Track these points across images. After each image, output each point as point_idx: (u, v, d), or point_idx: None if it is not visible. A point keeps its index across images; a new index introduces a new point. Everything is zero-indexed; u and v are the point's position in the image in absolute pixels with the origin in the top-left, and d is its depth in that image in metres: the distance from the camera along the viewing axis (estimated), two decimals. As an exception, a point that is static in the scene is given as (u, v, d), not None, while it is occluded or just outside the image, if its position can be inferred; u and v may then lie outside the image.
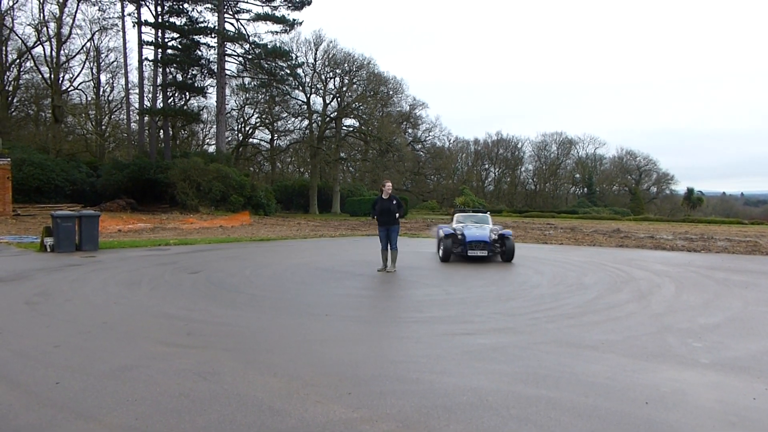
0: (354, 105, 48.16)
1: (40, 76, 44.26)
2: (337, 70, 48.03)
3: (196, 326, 6.06)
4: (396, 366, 4.71)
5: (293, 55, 44.64)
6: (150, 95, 43.00)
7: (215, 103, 44.37)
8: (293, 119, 52.01)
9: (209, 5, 41.33)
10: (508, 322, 6.45)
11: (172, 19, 41.44)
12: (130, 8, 42.71)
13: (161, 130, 44.19)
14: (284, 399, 3.87)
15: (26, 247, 14.54)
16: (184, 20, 41.78)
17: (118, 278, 9.35)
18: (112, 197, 35.99)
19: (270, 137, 55.14)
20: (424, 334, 5.87)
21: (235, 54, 43.39)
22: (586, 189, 70.73)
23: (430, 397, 3.95)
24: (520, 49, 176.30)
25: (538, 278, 10.14)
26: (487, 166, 75.09)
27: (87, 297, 7.68)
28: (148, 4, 41.58)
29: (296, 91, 47.65)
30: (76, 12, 43.52)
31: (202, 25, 41.87)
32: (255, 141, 56.12)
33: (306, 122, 50.28)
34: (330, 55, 47.65)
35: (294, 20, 42.53)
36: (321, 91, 48.30)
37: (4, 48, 41.97)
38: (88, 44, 45.81)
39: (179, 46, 41.68)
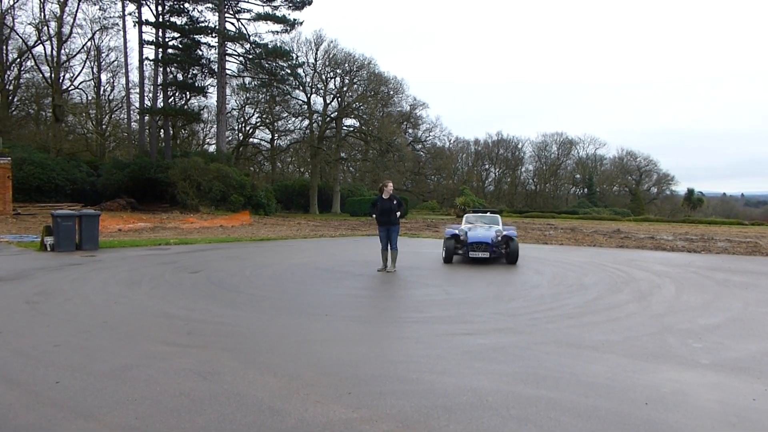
0: (354, 105, 48.17)
1: (41, 75, 44.37)
2: (338, 70, 48.09)
3: (197, 326, 6.06)
4: (396, 366, 4.71)
5: (294, 54, 44.70)
6: (150, 95, 43.04)
7: (216, 103, 44.45)
8: (294, 119, 52.13)
9: (210, 5, 41.38)
10: (508, 323, 6.45)
11: (172, 19, 41.47)
12: (131, 7, 42.87)
13: (162, 130, 44.21)
14: (284, 399, 3.87)
15: (26, 246, 14.54)
16: (184, 20, 41.82)
17: (118, 278, 9.35)
18: (113, 196, 36.02)
19: (270, 137, 55.18)
20: (424, 334, 5.86)
21: (236, 54, 43.45)
22: (586, 189, 70.72)
23: (430, 397, 3.94)
24: (520, 49, 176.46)
25: (539, 278, 10.14)
26: (487, 166, 75.10)
27: (87, 296, 7.68)
28: (148, 3, 41.64)
29: (297, 91, 47.76)
30: (76, 11, 43.70)
31: (203, 24, 41.91)
32: (255, 141, 56.20)
33: (306, 122, 50.35)
34: (330, 55, 47.70)
35: (294, 20, 42.60)
36: (321, 91, 48.37)
37: (4, 47, 42.03)
38: (89, 43, 45.95)
39: (180, 46, 41.70)
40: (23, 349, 5.03)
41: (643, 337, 5.82)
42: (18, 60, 43.35)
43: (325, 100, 48.41)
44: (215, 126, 47.71)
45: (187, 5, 41.43)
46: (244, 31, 42.60)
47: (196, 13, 42.12)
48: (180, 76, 42.22)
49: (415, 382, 4.26)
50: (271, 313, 6.88)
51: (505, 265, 12.02)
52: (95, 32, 45.67)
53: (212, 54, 42.81)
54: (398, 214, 10.81)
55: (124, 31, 44.17)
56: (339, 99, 48.83)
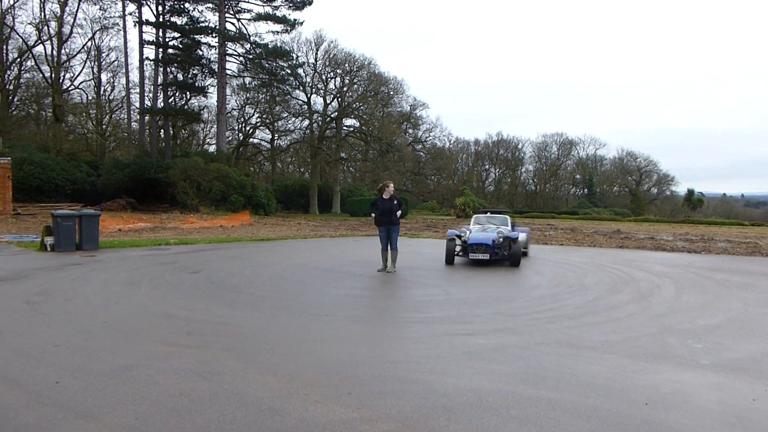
0: (354, 105, 48.16)
1: (41, 75, 44.36)
2: (338, 70, 48.06)
3: (196, 326, 6.06)
4: (396, 366, 4.71)
5: (294, 55, 44.69)
6: (151, 95, 43.05)
7: (216, 103, 44.44)
8: (294, 119, 52.08)
9: (210, 5, 41.37)
10: (508, 323, 6.45)
11: (173, 19, 41.48)
12: (131, 7, 42.85)
13: (162, 130, 44.22)
14: (284, 399, 3.87)
15: (26, 246, 14.54)
16: (185, 20, 41.82)
17: (118, 278, 9.35)
18: (113, 196, 36.01)
19: (270, 137, 55.15)
20: (424, 334, 5.87)
21: (236, 54, 43.45)
22: (586, 190, 70.71)
23: (430, 397, 3.95)
24: (520, 49, 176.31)
25: (539, 279, 10.14)
26: (487, 166, 75.05)
27: (87, 296, 7.68)
28: (149, 3, 41.65)
29: (297, 91, 47.73)
30: (77, 11, 43.70)
31: (203, 24, 41.91)
32: (255, 141, 56.16)
33: (306, 122, 50.33)
34: (331, 55, 47.68)
35: (295, 20, 42.59)
36: (321, 91, 48.35)
37: (4, 47, 42.03)
38: (89, 43, 45.91)
39: (180, 46, 41.71)
40: (23, 349, 5.03)
41: (643, 337, 5.82)
42: (18, 60, 43.36)
43: (325, 100, 48.43)
44: (215, 126, 47.72)
45: (187, 5, 41.46)
46: (245, 31, 42.63)
47: (196, 13, 42.18)
48: (180, 76, 42.22)
49: (415, 382, 4.26)
50: (271, 313, 6.88)
51: (505, 266, 11.95)
52: (95, 32, 45.70)
53: (212, 54, 42.87)
54: (399, 214, 10.82)
55: (125, 31, 44.23)
56: (339, 99, 48.82)
